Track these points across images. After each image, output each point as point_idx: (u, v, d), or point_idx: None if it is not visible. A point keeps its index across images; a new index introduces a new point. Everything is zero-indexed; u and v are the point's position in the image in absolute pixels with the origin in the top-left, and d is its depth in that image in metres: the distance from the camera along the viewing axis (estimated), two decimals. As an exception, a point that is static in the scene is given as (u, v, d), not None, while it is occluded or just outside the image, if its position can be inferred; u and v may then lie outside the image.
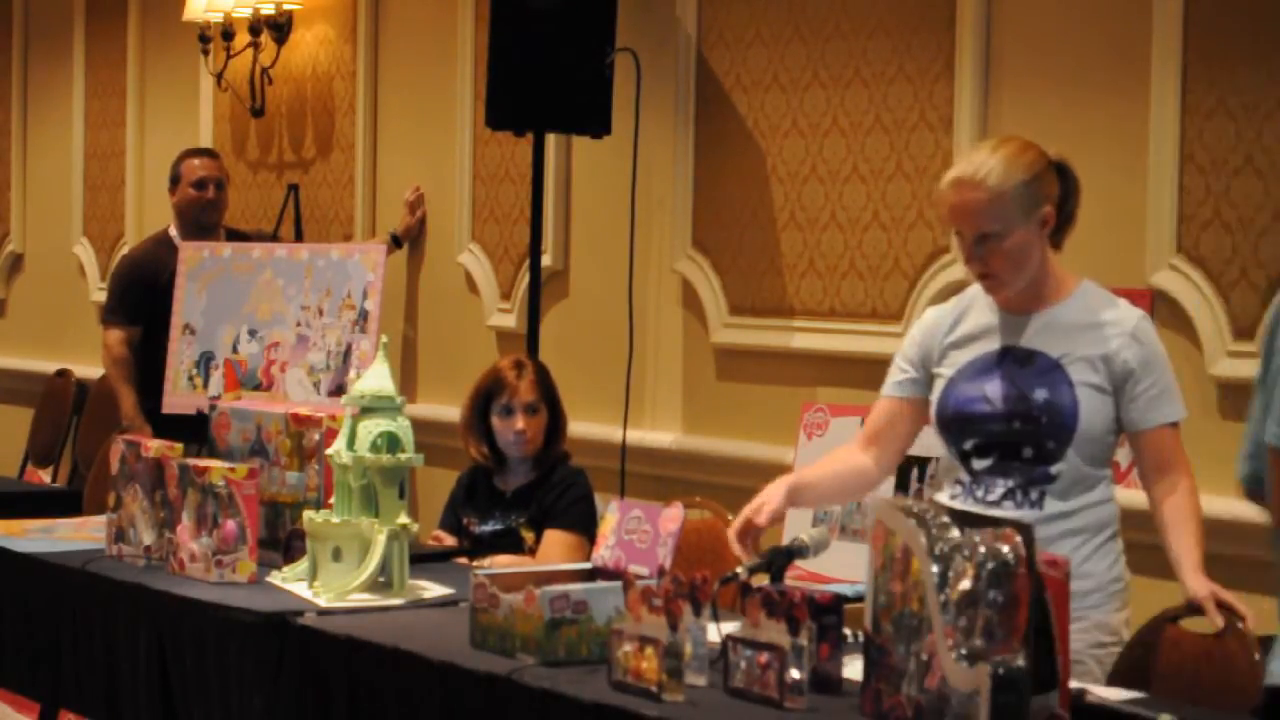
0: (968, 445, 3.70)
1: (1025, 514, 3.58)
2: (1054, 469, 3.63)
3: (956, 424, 3.71)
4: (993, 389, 3.67)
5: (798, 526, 5.08)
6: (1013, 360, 3.68)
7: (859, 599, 3.19)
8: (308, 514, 4.17)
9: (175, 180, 6.93)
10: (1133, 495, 3.87)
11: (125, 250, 8.09)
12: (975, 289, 3.82)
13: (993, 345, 3.72)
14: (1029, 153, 3.65)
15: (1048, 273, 3.69)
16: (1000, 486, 3.65)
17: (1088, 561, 3.64)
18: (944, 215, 3.73)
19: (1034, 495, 3.63)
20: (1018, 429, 3.64)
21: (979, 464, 3.69)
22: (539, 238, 6.18)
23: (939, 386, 3.77)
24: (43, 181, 9.20)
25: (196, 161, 6.94)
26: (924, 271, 5.40)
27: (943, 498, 3.73)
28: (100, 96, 8.75)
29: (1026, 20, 5.17)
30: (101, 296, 8.63)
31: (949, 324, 3.80)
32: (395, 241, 7.00)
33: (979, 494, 3.67)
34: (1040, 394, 3.63)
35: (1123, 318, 3.68)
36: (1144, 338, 3.67)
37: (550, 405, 4.89)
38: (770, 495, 3.80)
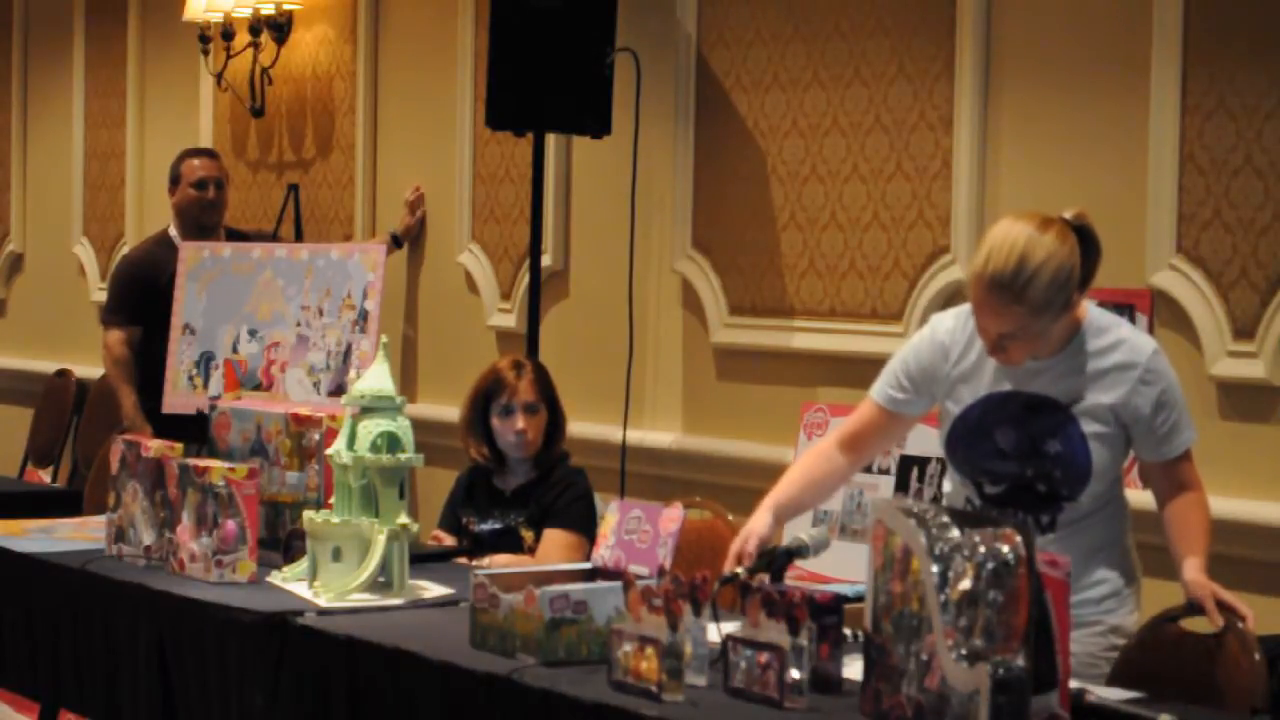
0: (980, 479, 3.70)
1: (1038, 537, 3.57)
2: (1066, 504, 3.63)
3: (968, 464, 3.69)
4: (1004, 438, 3.63)
5: (798, 526, 5.08)
6: (1022, 406, 3.62)
7: (859, 599, 3.19)
8: (308, 514, 4.17)
9: (175, 180, 6.92)
10: (1133, 495, 3.87)
11: (125, 250, 8.08)
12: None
13: (1001, 385, 3.64)
14: (1066, 244, 3.48)
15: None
16: (1012, 513, 3.64)
17: (1101, 568, 3.64)
18: (971, 297, 3.54)
19: (1045, 522, 3.64)
20: (1031, 475, 3.62)
21: (991, 490, 3.69)
22: (539, 238, 6.18)
23: (946, 421, 3.72)
24: (43, 181, 9.20)
25: (196, 161, 6.92)
26: (924, 271, 5.40)
27: None
28: (100, 96, 8.76)
29: (1026, 20, 5.17)
30: (101, 296, 8.63)
31: (958, 352, 3.70)
32: (395, 241, 7.00)
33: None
34: (1053, 445, 3.59)
35: (1132, 358, 3.59)
36: (1154, 379, 3.59)
37: (550, 405, 4.89)
38: (757, 525, 3.74)
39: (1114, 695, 3.21)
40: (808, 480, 3.88)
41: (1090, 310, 3.64)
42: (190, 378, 6.68)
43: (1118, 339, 3.62)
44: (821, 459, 3.89)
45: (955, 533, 2.86)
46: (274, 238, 7.27)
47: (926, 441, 4.67)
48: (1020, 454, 3.62)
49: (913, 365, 3.77)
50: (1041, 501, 3.63)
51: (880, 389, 3.83)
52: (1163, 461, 3.64)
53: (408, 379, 7.05)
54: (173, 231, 6.94)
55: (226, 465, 4.29)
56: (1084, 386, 3.59)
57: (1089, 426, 3.59)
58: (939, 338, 3.74)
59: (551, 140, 6.35)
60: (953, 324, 3.75)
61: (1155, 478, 3.67)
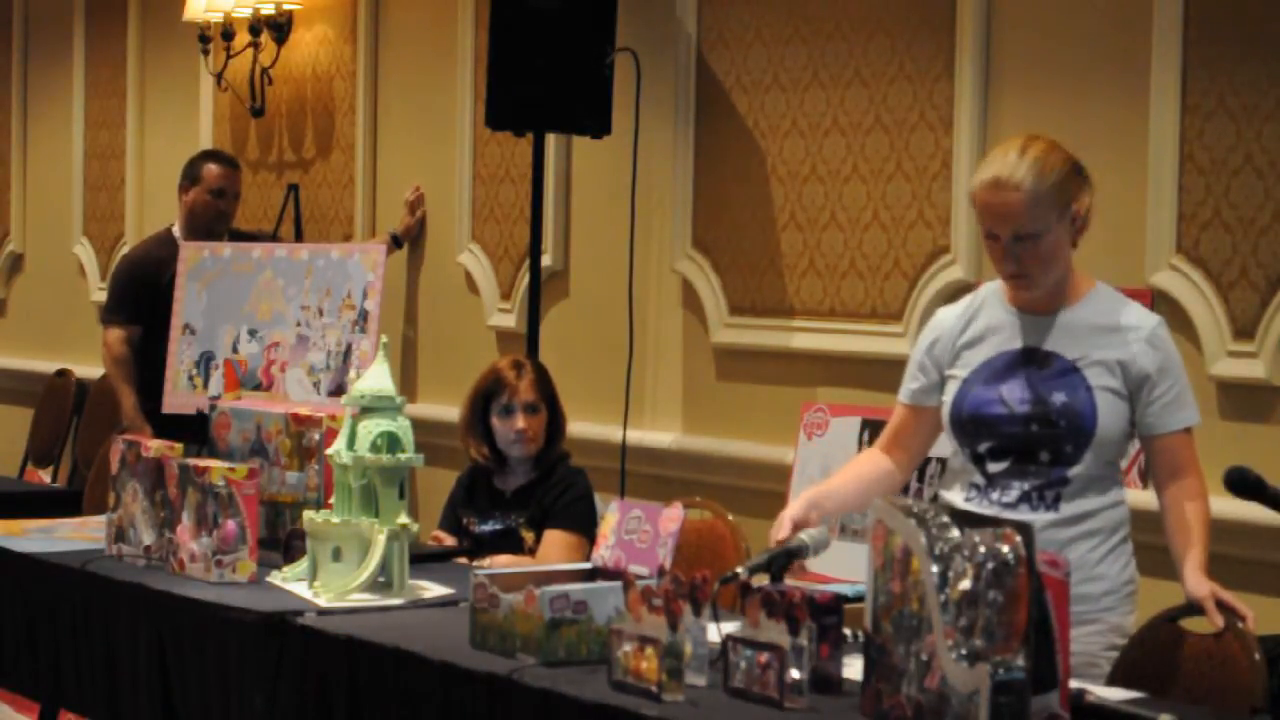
0: (982, 448, 3.69)
1: (1042, 517, 3.59)
2: (1070, 472, 3.62)
3: (972, 426, 3.68)
4: (1010, 391, 3.65)
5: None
6: (1029, 362, 3.66)
7: (859, 599, 3.19)
8: (308, 514, 4.17)
9: (193, 180, 6.90)
10: (1131, 495, 3.87)
11: (126, 250, 8.08)
12: (986, 288, 3.81)
13: (1008, 345, 3.70)
14: (1057, 152, 3.64)
15: (1069, 272, 3.69)
16: (1016, 489, 3.64)
17: (1102, 563, 3.64)
18: (978, 217, 3.66)
19: (1050, 498, 3.63)
20: (1035, 432, 3.62)
21: (994, 467, 3.68)
22: (539, 238, 6.18)
23: (952, 388, 3.74)
24: (43, 181, 9.20)
25: (219, 169, 6.92)
26: (924, 271, 5.40)
27: (955, 499, 3.70)
28: (100, 96, 8.76)
29: (1026, 20, 5.17)
30: (102, 296, 8.63)
31: (961, 324, 3.76)
32: (395, 242, 7.00)
33: (994, 496, 3.65)
34: (1058, 397, 3.62)
35: (1140, 322, 3.67)
36: (1160, 344, 3.67)
37: (550, 405, 4.89)
38: (790, 510, 3.73)
39: (1114, 695, 3.21)
40: (853, 475, 3.91)
41: (1099, 283, 3.74)
42: (190, 378, 6.68)
43: (1126, 305, 3.72)
44: (869, 459, 3.94)
45: (955, 533, 2.86)
46: (274, 238, 7.27)
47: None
48: (1025, 407, 3.63)
49: (923, 354, 3.82)
50: (1044, 470, 3.62)
51: (902, 389, 3.88)
52: (1163, 436, 3.65)
53: (408, 379, 7.05)
54: (176, 231, 6.94)
55: (226, 465, 4.29)
56: (1092, 342, 3.64)
57: (1096, 379, 3.62)
58: (941, 319, 3.84)
59: (551, 140, 6.35)
60: (953, 308, 3.85)
61: (1155, 455, 3.68)
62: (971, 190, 3.66)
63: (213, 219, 6.89)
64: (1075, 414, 3.61)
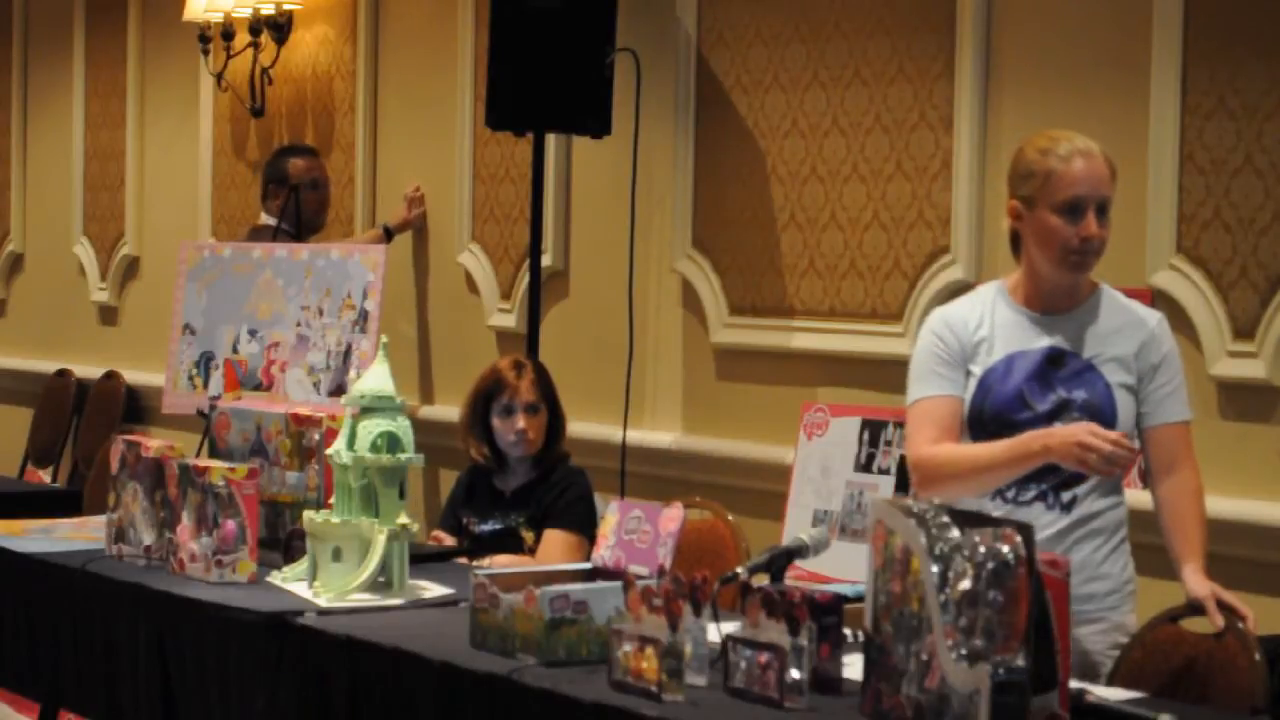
0: None
1: (1056, 516, 3.62)
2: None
3: (994, 425, 3.67)
4: (1031, 391, 3.66)
5: (798, 526, 5.08)
6: (1046, 361, 3.68)
7: (859, 599, 3.19)
8: (308, 514, 4.17)
9: (281, 181, 6.96)
10: (1131, 495, 3.87)
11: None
12: (988, 288, 3.80)
13: (1023, 345, 3.69)
14: None
15: None
16: (1033, 488, 3.64)
17: (1105, 562, 3.66)
18: (1056, 191, 3.63)
19: (1065, 498, 3.64)
20: None
21: None
22: (539, 238, 6.18)
23: (969, 385, 3.72)
24: (43, 181, 9.20)
25: (305, 161, 7.05)
26: (924, 271, 5.39)
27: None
28: (100, 96, 8.76)
29: (1026, 20, 5.17)
30: (102, 296, 8.64)
31: (975, 321, 3.74)
32: (386, 234, 6.99)
33: (1009, 494, 3.65)
34: (1079, 394, 3.64)
35: (1145, 318, 3.73)
36: (1166, 335, 3.73)
37: (550, 405, 4.89)
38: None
39: (1114, 695, 3.21)
40: None
41: (1102, 284, 3.77)
42: (190, 378, 6.68)
43: (1130, 302, 3.77)
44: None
45: (955, 533, 2.86)
46: (274, 238, 7.27)
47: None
48: (1048, 406, 3.63)
49: (941, 348, 3.74)
50: (1063, 469, 3.60)
51: (929, 384, 3.74)
52: (1161, 427, 3.68)
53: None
54: (274, 221, 6.99)
55: (226, 465, 4.29)
56: (1105, 340, 3.68)
57: (1112, 376, 3.65)
58: (952, 314, 3.79)
59: (551, 140, 6.35)
60: (959, 305, 3.82)
61: (1152, 446, 3.70)
62: (1048, 167, 3.64)
63: (314, 212, 7.01)
64: (1097, 411, 3.62)
